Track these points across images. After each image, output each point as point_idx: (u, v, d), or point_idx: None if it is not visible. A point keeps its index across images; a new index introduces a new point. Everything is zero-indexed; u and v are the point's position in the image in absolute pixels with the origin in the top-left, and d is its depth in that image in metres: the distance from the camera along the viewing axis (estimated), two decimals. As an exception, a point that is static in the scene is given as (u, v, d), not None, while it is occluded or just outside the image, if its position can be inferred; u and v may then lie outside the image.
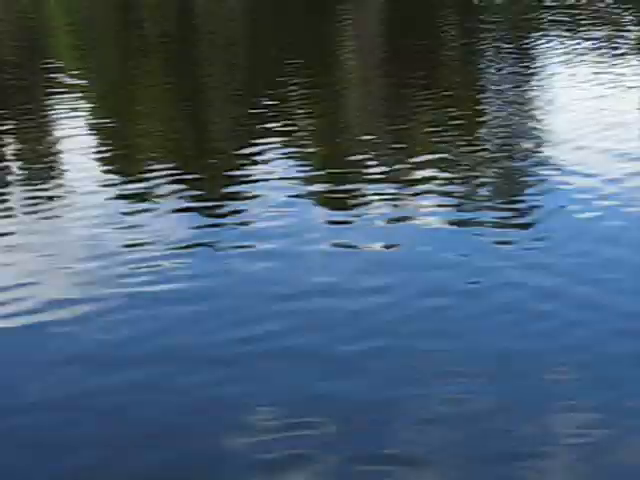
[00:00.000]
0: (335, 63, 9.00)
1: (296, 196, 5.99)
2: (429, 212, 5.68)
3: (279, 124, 6.90)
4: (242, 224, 5.64)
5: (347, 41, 9.77)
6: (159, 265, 5.02)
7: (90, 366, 4.08)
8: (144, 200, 6.00)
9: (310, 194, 6.03)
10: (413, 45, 10.05)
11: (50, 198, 6.05)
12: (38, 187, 6.31)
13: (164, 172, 6.32)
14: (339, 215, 5.75)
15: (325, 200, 5.96)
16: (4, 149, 6.65)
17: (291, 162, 6.59)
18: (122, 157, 6.70)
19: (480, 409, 3.65)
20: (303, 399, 3.75)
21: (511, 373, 3.96)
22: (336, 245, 5.30)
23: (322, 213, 5.74)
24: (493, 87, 8.32)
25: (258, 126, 6.96)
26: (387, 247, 5.18)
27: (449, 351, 4.16)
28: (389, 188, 6.16)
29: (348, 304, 4.58)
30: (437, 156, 6.61)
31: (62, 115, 7.54)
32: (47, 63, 9.39)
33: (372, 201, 5.94)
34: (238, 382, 3.88)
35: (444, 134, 7.10)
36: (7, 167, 6.56)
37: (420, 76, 8.55)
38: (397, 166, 6.45)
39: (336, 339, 4.27)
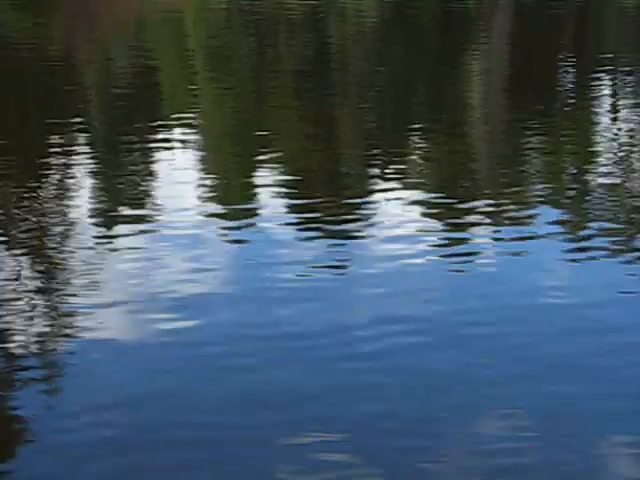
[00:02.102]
0: (463, 100, 8.98)
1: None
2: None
3: (396, 165, 6.84)
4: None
5: (476, 77, 9.84)
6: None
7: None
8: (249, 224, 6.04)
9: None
10: (543, 75, 9.98)
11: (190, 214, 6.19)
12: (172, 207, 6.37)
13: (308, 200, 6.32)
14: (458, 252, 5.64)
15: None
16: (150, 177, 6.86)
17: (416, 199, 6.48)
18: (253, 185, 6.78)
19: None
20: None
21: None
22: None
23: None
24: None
25: (373, 168, 6.94)
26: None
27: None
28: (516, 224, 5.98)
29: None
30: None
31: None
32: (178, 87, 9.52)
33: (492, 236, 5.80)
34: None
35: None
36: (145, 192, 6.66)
37: (553, 112, 8.47)
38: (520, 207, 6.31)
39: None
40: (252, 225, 5.88)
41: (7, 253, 5.54)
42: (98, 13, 14.92)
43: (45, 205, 6.31)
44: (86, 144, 7.86)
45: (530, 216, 6.13)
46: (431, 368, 4.25)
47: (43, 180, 6.93)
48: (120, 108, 9.30)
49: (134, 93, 10.01)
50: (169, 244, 5.63)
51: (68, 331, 4.56)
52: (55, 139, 8.04)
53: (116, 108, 9.32)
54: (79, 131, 8.16)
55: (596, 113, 8.54)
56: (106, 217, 6.16)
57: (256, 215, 6.08)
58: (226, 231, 5.84)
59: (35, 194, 6.59)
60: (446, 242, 5.68)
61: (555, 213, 6.17)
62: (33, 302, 4.81)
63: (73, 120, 8.72)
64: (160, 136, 7.96)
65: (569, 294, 5.04)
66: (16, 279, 5.12)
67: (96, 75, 10.70)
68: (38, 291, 5.01)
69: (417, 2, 17.91)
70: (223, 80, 9.95)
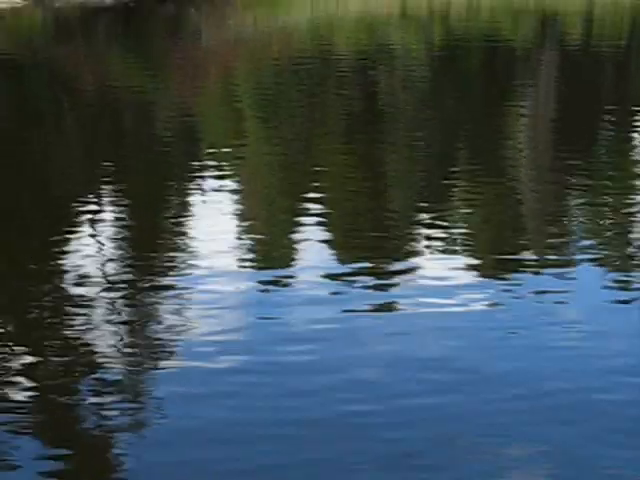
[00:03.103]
0: (509, 146, 9.13)
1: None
2: None
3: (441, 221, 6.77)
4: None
5: (520, 131, 9.80)
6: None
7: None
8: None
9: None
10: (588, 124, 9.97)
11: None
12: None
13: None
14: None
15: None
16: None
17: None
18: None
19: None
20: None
21: None
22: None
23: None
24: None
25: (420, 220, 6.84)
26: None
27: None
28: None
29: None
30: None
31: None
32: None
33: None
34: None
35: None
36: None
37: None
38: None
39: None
40: (292, 276, 5.72)
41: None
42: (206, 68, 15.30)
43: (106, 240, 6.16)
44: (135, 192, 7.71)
45: (572, 264, 5.95)
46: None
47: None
48: (169, 153, 9.09)
49: (176, 139, 9.82)
50: (209, 287, 5.49)
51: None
52: (81, 185, 7.51)
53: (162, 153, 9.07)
54: (112, 182, 8.03)
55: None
56: (159, 261, 5.88)
57: (299, 264, 5.92)
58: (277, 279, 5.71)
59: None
60: (491, 292, 5.50)
61: (600, 264, 5.97)
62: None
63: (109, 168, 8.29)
64: (207, 179, 7.93)
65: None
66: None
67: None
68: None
69: (465, 44, 18.74)
70: (274, 128, 10.09)
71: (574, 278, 5.71)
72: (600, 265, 5.91)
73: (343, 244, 6.28)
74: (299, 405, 4.13)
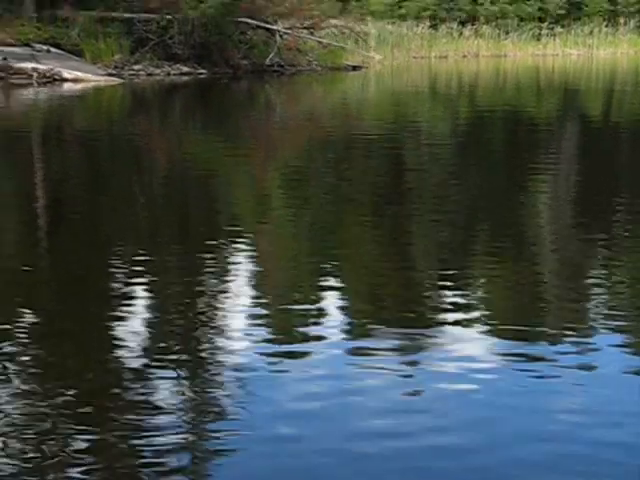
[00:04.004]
0: (531, 223, 9.21)
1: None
2: None
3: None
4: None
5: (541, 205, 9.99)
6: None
7: None
8: None
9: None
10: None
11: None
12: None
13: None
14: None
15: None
16: None
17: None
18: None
19: None
20: None
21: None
22: None
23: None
24: None
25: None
26: None
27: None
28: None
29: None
30: None
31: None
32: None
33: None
34: None
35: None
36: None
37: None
38: None
39: None
40: (311, 345, 5.72)
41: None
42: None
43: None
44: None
45: (595, 334, 5.91)
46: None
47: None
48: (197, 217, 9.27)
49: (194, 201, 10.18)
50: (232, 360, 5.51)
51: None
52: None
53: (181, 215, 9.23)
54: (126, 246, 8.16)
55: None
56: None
57: (322, 332, 5.92)
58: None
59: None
60: (510, 358, 5.52)
61: (620, 338, 5.92)
62: None
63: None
64: (226, 246, 8.13)
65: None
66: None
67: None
68: None
69: (488, 120, 19.07)
70: (297, 198, 10.39)
71: (597, 349, 5.67)
72: (622, 335, 5.90)
73: (365, 311, 6.34)
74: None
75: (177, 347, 5.59)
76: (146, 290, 6.76)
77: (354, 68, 33.42)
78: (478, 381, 5.19)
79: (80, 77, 26.47)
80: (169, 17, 29.30)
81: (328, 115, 20.37)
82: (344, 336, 5.89)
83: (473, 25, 45.59)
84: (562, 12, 48.45)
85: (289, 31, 31.76)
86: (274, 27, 31.29)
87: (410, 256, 7.93)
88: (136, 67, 29.09)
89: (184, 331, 5.91)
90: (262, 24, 30.90)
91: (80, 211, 9.63)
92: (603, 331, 5.97)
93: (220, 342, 5.72)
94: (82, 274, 7.18)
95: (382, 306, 6.46)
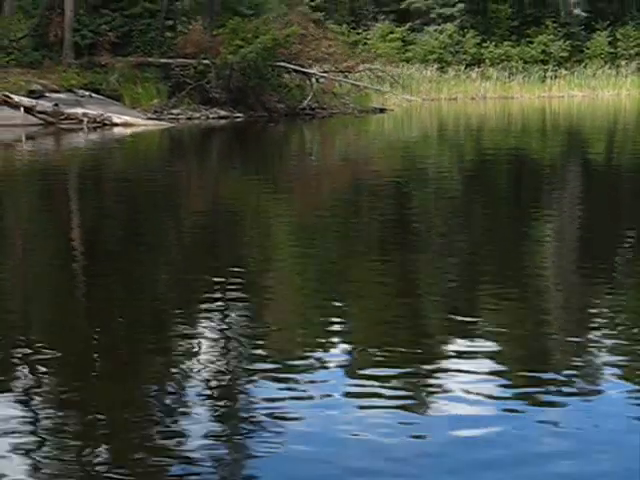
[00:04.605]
0: (536, 265, 9.30)
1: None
2: None
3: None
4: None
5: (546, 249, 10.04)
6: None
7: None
8: None
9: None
10: None
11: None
12: None
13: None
14: None
15: None
16: None
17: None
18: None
19: None
20: None
21: None
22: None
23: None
24: None
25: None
26: None
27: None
28: None
29: None
30: None
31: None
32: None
33: None
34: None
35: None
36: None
37: None
38: None
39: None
40: (315, 390, 5.74)
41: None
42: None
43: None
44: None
45: (600, 383, 5.92)
46: None
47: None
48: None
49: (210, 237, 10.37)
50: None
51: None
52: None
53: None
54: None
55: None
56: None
57: (324, 377, 5.97)
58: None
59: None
60: (519, 404, 5.56)
61: (626, 383, 5.90)
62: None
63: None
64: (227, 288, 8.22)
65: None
66: None
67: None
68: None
69: (496, 159, 19.55)
70: (307, 245, 10.51)
71: (602, 399, 5.66)
72: (628, 379, 5.90)
73: (371, 354, 6.38)
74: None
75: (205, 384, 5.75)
76: (178, 337, 6.96)
77: (381, 110, 33.91)
78: (483, 424, 5.23)
79: (130, 121, 27.03)
80: (206, 62, 29.82)
81: (360, 158, 20.62)
82: (349, 379, 5.95)
83: (479, 68, 46.34)
84: (565, 55, 49.32)
85: (325, 74, 32.20)
86: (311, 71, 31.76)
87: (418, 299, 7.98)
88: (175, 111, 29.60)
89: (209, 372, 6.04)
90: (299, 68, 31.36)
91: (118, 256, 9.89)
92: (609, 374, 5.96)
93: (235, 383, 5.86)
94: (117, 325, 7.29)
95: (388, 349, 6.49)
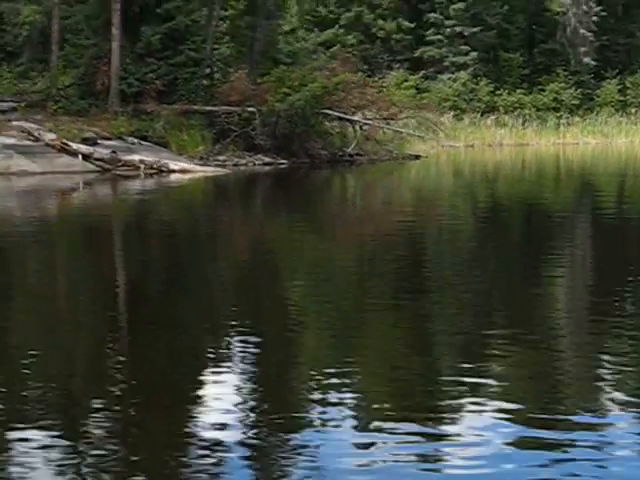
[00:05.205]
0: (549, 308, 9.58)
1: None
2: None
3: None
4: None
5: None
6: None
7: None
8: None
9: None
10: None
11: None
12: None
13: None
14: None
15: None
16: None
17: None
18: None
19: None
20: None
21: None
22: None
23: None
24: None
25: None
26: None
27: None
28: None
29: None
30: None
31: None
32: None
33: None
34: None
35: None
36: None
37: None
38: None
39: None
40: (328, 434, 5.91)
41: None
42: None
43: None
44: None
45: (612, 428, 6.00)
46: None
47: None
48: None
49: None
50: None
51: None
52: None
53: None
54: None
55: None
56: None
57: (336, 422, 6.12)
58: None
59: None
60: (534, 451, 5.62)
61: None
62: None
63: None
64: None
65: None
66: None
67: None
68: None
69: (509, 207, 20.13)
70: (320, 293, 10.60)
71: (614, 437, 5.79)
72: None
73: (383, 400, 6.53)
74: None
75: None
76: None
77: (416, 157, 34.28)
78: (497, 468, 5.33)
79: (187, 168, 27.31)
80: (251, 109, 30.28)
81: (396, 205, 21.01)
82: (361, 424, 6.07)
83: (494, 115, 46.72)
84: (576, 102, 49.61)
85: (369, 121, 32.56)
86: (355, 118, 32.14)
87: (430, 344, 8.15)
88: (220, 157, 30.02)
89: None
90: (344, 115, 31.76)
91: (159, 302, 10.18)
92: (621, 418, 6.08)
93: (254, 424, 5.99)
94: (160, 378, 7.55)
95: (400, 394, 6.65)
